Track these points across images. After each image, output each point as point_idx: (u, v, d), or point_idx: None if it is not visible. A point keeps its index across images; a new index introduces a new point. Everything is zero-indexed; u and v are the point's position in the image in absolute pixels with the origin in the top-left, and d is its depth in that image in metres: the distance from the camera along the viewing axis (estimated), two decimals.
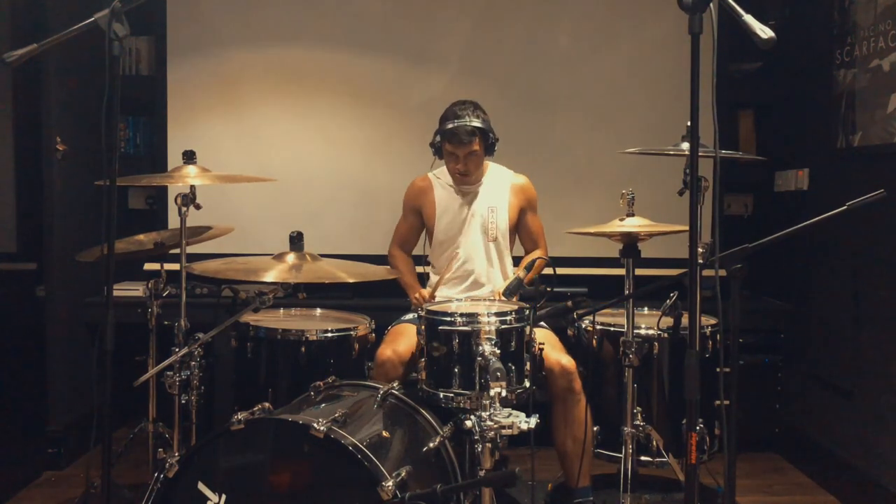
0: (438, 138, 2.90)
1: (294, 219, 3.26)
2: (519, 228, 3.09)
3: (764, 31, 1.64)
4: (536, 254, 3.06)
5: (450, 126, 2.83)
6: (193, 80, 3.79)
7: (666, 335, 2.62)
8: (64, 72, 3.39)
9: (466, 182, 2.97)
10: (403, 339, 2.70)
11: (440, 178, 3.05)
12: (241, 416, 1.99)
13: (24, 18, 3.16)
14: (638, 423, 2.49)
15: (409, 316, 2.90)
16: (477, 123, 2.83)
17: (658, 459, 2.59)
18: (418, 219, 3.08)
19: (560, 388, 2.64)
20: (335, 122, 3.84)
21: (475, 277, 2.98)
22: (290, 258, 2.41)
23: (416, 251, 3.17)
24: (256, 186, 3.57)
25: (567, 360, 2.65)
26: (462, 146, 2.84)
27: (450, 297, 2.93)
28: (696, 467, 1.74)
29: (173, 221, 3.49)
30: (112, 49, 1.88)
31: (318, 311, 2.97)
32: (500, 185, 3.02)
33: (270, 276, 2.30)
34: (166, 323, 2.63)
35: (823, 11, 3.36)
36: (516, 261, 3.04)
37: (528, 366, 2.35)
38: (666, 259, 3.30)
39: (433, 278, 3.06)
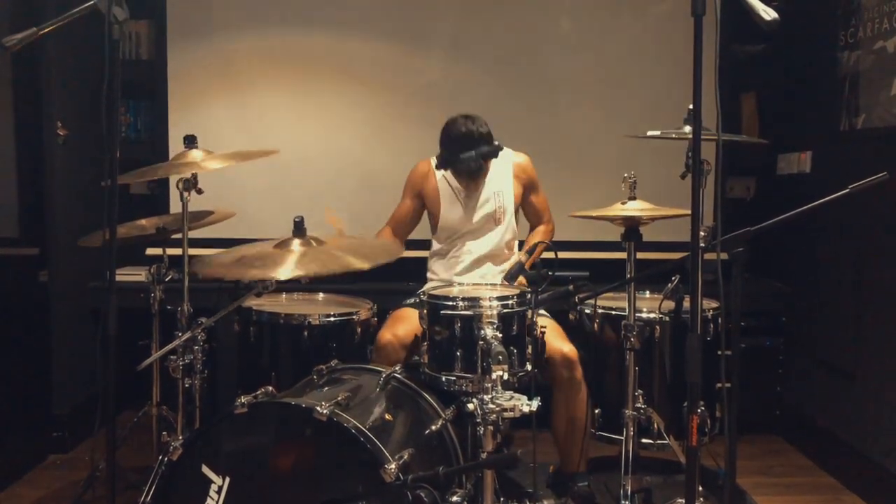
0: (445, 163, 2.85)
1: (295, 202, 3.25)
2: (524, 207, 3.08)
3: (768, 13, 1.64)
4: (539, 233, 3.06)
5: (461, 166, 2.79)
6: (194, 63, 3.78)
7: (667, 318, 2.61)
8: (64, 56, 3.38)
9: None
10: (403, 324, 2.71)
11: None
12: (244, 399, 2.00)
13: (23, 2, 3.14)
14: (639, 405, 2.50)
15: (411, 300, 2.90)
16: (484, 152, 2.77)
17: (659, 441, 2.60)
18: (418, 202, 3.06)
19: (561, 376, 2.65)
20: (336, 105, 3.83)
21: (481, 260, 2.98)
22: (295, 246, 2.34)
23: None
24: (258, 171, 3.56)
25: (569, 349, 2.65)
26: (475, 181, 2.87)
27: (453, 280, 2.93)
28: (696, 449, 1.75)
29: (175, 206, 3.49)
30: (112, 33, 1.87)
31: (321, 295, 2.98)
32: (503, 167, 3.00)
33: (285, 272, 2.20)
34: (169, 307, 2.64)
35: None
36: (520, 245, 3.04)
37: (529, 349, 2.36)
38: (668, 242, 3.28)
39: (435, 264, 3.05)
